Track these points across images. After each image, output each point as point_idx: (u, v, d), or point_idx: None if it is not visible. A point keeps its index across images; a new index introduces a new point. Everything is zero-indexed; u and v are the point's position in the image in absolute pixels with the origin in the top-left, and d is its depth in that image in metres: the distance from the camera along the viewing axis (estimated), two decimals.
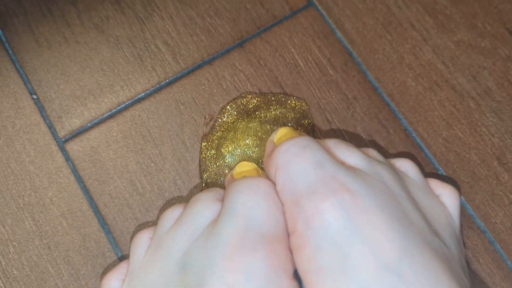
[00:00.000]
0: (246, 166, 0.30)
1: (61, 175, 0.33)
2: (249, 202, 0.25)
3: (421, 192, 0.28)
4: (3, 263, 0.31)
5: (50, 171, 0.33)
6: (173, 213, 0.28)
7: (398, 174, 0.27)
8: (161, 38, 0.36)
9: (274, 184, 0.27)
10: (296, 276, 0.25)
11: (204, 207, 0.27)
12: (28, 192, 0.32)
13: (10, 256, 0.31)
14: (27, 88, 0.34)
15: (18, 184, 0.32)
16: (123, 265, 0.28)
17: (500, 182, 0.33)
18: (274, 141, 0.29)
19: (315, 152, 0.26)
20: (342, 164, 0.26)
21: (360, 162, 0.26)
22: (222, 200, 0.27)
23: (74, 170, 0.33)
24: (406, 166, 0.29)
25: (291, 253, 0.25)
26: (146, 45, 0.36)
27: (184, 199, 0.32)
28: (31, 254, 0.31)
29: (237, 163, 0.30)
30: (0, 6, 0.36)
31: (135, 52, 0.35)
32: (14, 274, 0.31)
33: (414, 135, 0.34)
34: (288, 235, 0.25)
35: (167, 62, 0.35)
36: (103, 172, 0.33)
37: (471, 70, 0.35)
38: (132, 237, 0.31)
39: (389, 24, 0.37)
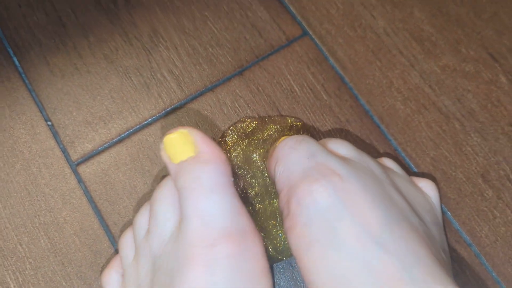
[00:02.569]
0: (178, 145, 0.29)
1: (74, 196, 0.35)
2: (197, 204, 0.26)
3: (404, 182, 0.31)
4: (20, 279, 0.33)
5: (63, 192, 0.35)
6: (143, 217, 0.31)
7: (383, 166, 0.31)
8: (166, 67, 0.38)
9: (218, 165, 0.28)
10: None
11: (165, 216, 0.29)
12: (43, 212, 0.35)
13: (27, 272, 0.33)
14: (43, 115, 0.37)
15: (34, 205, 0.35)
16: (116, 260, 0.32)
17: (485, 198, 0.35)
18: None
19: (309, 144, 0.29)
20: (333, 153, 0.28)
21: (350, 153, 0.29)
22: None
23: (86, 191, 0.35)
24: (390, 163, 0.33)
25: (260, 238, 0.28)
26: (153, 74, 0.38)
27: None
28: (46, 270, 0.33)
29: None
30: (17, 39, 0.39)
31: (142, 80, 0.38)
32: None
33: (403, 155, 0.36)
34: (245, 219, 0.27)
35: (172, 89, 0.38)
36: (113, 192, 0.35)
37: (456, 93, 0.38)
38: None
39: (378, 50, 0.39)
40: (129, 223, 0.34)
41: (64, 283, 0.33)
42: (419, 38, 0.39)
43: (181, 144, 0.28)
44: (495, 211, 0.35)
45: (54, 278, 0.33)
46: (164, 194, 0.29)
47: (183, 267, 0.26)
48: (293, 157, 0.28)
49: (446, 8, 0.40)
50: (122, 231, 0.34)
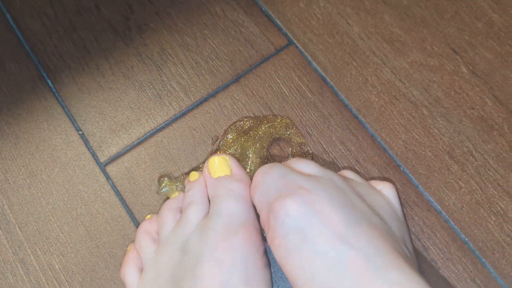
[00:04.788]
0: (219, 165, 0.38)
1: (104, 191, 0.42)
2: (230, 204, 0.35)
3: (365, 188, 0.36)
4: (63, 260, 0.40)
5: (95, 188, 0.42)
6: (171, 213, 0.38)
7: (345, 178, 0.36)
8: (174, 79, 0.46)
9: (244, 180, 0.37)
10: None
11: (197, 210, 0.36)
12: (79, 206, 0.42)
13: (68, 255, 0.40)
14: (74, 126, 0.45)
15: (71, 200, 0.42)
16: (132, 255, 0.38)
17: (451, 172, 0.41)
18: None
19: (279, 168, 0.35)
20: (300, 173, 0.34)
21: (314, 170, 0.35)
22: (206, 194, 0.38)
23: (114, 187, 0.42)
24: (350, 174, 0.38)
25: (262, 236, 0.35)
26: (164, 86, 0.46)
27: None
28: (84, 252, 0.40)
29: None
30: (50, 65, 0.47)
31: (155, 92, 0.45)
32: (72, 268, 0.40)
33: (379, 140, 0.42)
34: (257, 222, 0.35)
35: (180, 98, 0.45)
36: (136, 186, 0.42)
37: (423, 84, 0.44)
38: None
39: (354, 53, 0.46)
40: (150, 212, 0.41)
41: (100, 262, 0.40)
42: (390, 40, 0.46)
43: (221, 165, 0.38)
44: (460, 182, 0.41)
45: (91, 258, 0.40)
46: (196, 196, 0.37)
47: (210, 250, 0.33)
48: (267, 181, 0.34)
49: (412, 12, 0.47)
50: (143, 217, 0.41)
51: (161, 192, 0.40)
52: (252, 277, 0.32)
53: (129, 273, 0.37)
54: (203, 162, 0.42)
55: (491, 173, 0.41)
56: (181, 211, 0.38)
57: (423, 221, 0.40)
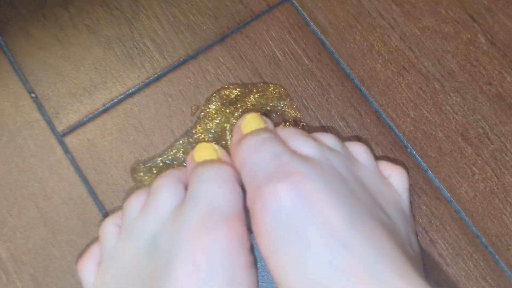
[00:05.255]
0: (206, 149, 0.32)
1: (61, 166, 0.36)
2: (211, 188, 0.29)
3: (370, 175, 0.31)
4: (11, 248, 0.34)
5: (50, 163, 0.36)
6: (137, 199, 0.31)
7: (349, 160, 0.31)
8: (148, 36, 0.39)
9: (234, 168, 0.31)
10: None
11: (169, 192, 0.30)
12: (31, 183, 0.35)
13: (17, 241, 0.34)
14: (26, 87, 0.37)
15: (22, 176, 0.35)
16: (95, 248, 0.31)
17: (464, 156, 0.36)
18: (241, 129, 0.32)
19: (272, 145, 0.29)
20: (296, 153, 0.29)
21: (312, 151, 0.29)
22: (184, 182, 0.31)
23: (73, 162, 0.36)
24: (357, 150, 0.32)
25: (249, 231, 0.29)
26: (135, 44, 0.38)
27: None
28: (36, 239, 0.34)
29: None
30: None
31: (125, 50, 0.38)
32: (22, 258, 0.34)
33: (384, 116, 0.37)
34: (244, 214, 0.29)
35: (154, 58, 0.38)
36: (100, 162, 0.36)
37: (436, 54, 0.38)
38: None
39: (359, 14, 0.39)
40: (117, 192, 0.35)
41: (55, 251, 0.34)
42: (399, 0, 0.40)
43: (209, 151, 0.32)
44: (474, 168, 0.36)
45: (45, 247, 0.34)
46: (168, 179, 0.31)
47: (185, 249, 0.27)
48: (256, 159, 0.28)
49: None
50: (110, 199, 0.35)
51: (138, 185, 0.34)
52: (235, 282, 0.27)
53: (87, 267, 0.31)
54: (181, 137, 0.36)
55: (508, 158, 0.36)
56: None
57: (431, 211, 0.35)
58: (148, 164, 0.35)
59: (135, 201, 0.31)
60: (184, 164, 0.35)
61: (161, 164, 0.35)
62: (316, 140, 0.31)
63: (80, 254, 0.34)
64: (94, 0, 0.39)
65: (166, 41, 0.39)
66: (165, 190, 0.30)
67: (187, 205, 0.29)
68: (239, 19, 0.39)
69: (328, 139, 0.32)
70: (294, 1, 0.40)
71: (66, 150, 0.36)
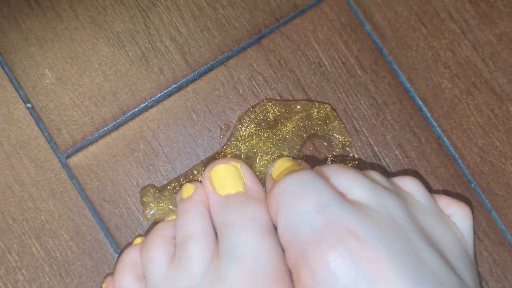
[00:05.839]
0: (231, 176, 0.28)
1: (66, 195, 0.30)
2: (251, 242, 0.25)
3: (430, 216, 0.26)
4: None
5: (54, 191, 0.30)
6: (163, 252, 0.27)
7: (404, 200, 0.26)
8: (167, 33, 0.31)
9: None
10: None
11: (200, 245, 0.26)
12: (32, 215, 0.30)
13: (19, 284, 0.29)
14: (20, 95, 0.31)
15: (20, 206, 0.30)
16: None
17: None
18: (273, 176, 0.27)
19: (317, 190, 0.24)
20: (346, 201, 0.24)
21: (365, 195, 0.24)
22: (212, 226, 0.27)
23: (80, 190, 0.30)
24: (410, 186, 0.27)
25: None
26: (151, 43, 0.31)
27: None
28: (41, 282, 0.29)
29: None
30: None
31: (139, 51, 0.31)
32: None
33: (447, 144, 0.31)
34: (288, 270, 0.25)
35: (175, 63, 0.31)
36: (112, 190, 0.30)
37: None
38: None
39: (424, 14, 0.32)
40: (133, 227, 0.30)
41: None
42: None
43: (231, 177, 0.27)
44: None
45: None
46: (194, 225, 0.26)
47: None
48: (298, 210, 0.23)
49: None
50: (125, 236, 0.30)
51: (147, 215, 0.29)
52: None
53: None
54: (204, 165, 0.30)
55: None
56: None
57: (493, 258, 0.31)
58: (160, 191, 0.29)
59: (161, 255, 0.26)
60: None
61: (176, 189, 0.29)
62: (368, 177, 0.26)
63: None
64: None
65: (189, 40, 0.32)
66: (196, 244, 0.25)
67: (225, 264, 0.24)
68: (279, 15, 0.32)
69: (374, 176, 0.26)
70: None
71: (72, 176, 0.30)
